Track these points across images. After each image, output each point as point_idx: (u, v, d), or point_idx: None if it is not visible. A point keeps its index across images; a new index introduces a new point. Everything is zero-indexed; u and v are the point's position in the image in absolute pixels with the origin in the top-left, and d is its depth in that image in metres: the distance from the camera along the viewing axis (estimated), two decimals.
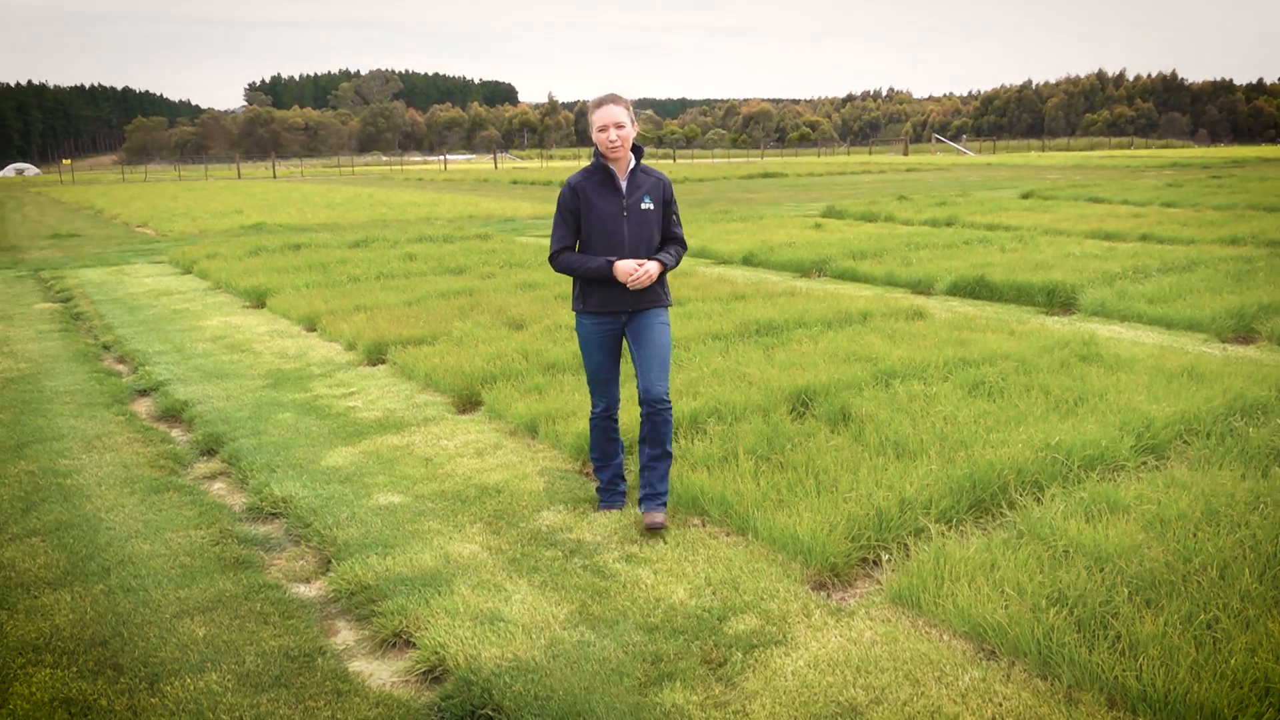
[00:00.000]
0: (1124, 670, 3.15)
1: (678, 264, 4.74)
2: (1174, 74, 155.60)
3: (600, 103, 4.49)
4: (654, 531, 4.49)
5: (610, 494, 4.91)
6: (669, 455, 4.63)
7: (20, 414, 6.99)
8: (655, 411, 4.57)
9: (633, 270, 4.48)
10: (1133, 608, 3.50)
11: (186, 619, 3.90)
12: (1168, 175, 33.95)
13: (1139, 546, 3.93)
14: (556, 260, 4.63)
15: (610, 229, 4.55)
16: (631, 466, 5.28)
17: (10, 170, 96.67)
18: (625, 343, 4.84)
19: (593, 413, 4.86)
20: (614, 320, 4.66)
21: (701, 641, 3.58)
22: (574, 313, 4.80)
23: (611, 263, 4.51)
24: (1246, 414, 5.74)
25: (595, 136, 4.51)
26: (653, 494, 4.58)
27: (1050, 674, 3.26)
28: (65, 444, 6.25)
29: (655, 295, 4.66)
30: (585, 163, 5.81)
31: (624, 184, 4.57)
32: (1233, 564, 3.76)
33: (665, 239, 4.74)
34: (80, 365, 8.64)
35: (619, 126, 4.45)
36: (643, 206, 4.58)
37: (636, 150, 4.60)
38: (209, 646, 3.68)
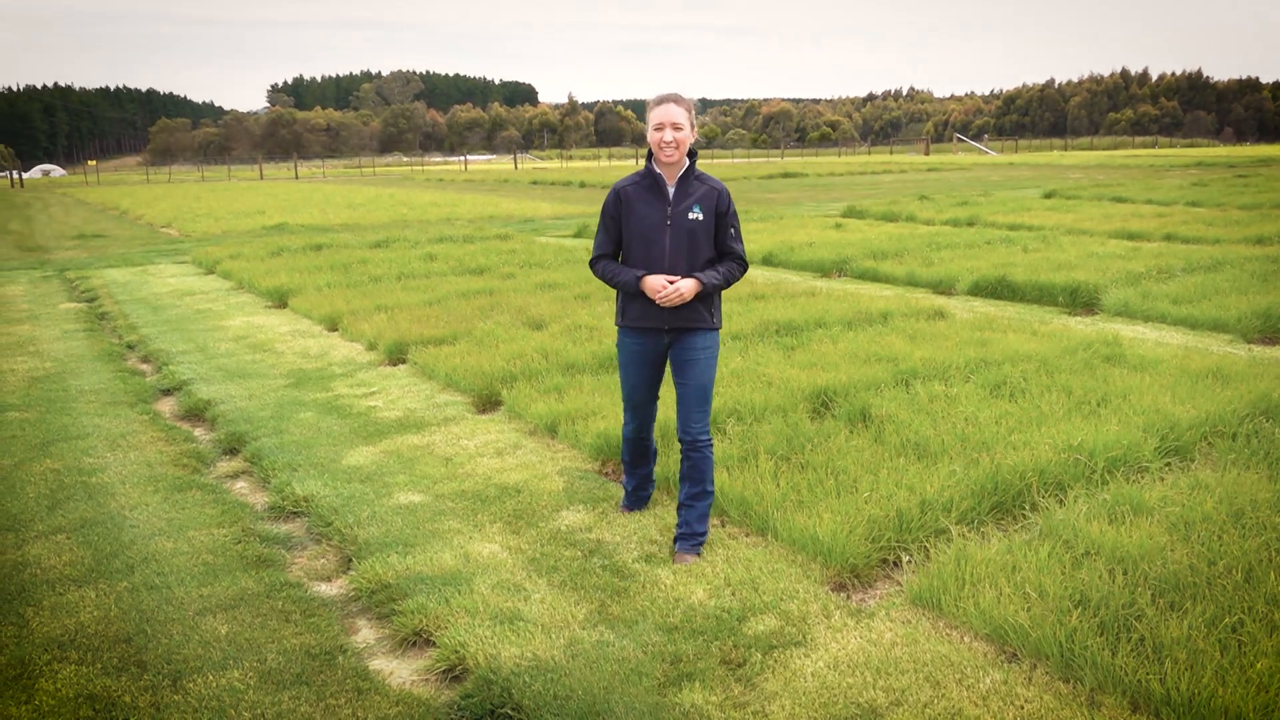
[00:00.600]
0: (1147, 674, 3.13)
1: (727, 284, 4.32)
2: (1199, 72, 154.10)
3: (660, 100, 4.17)
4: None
5: (635, 497, 4.81)
6: (709, 494, 4.36)
7: (46, 413, 7.06)
8: (694, 449, 4.32)
9: (661, 287, 4.16)
10: (1156, 610, 3.47)
11: (209, 616, 3.93)
12: (1193, 174, 33.65)
13: (1163, 549, 3.90)
14: (595, 266, 4.40)
15: (651, 238, 4.22)
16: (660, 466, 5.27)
17: (37, 171, 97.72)
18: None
19: (625, 430, 4.64)
20: (655, 338, 4.35)
21: (721, 642, 3.57)
22: (616, 326, 4.47)
23: (641, 277, 4.21)
24: (1272, 415, 5.68)
25: (650, 136, 4.21)
26: (689, 534, 4.31)
27: (1072, 677, 3.24)
28: (90, 442, 6.31)
29: (699, 316, 4.28)
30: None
31: (672, 191, 4.22)
32: (1258, 567, 3.72)
33: (720, 255, 4.33)
34: (105, 365, 8.72)
35: (676, 128, 4.12)
36: (690, 216, 4.20)
37: (691, 155, 4.27)
38: (231, 644, 3.71)
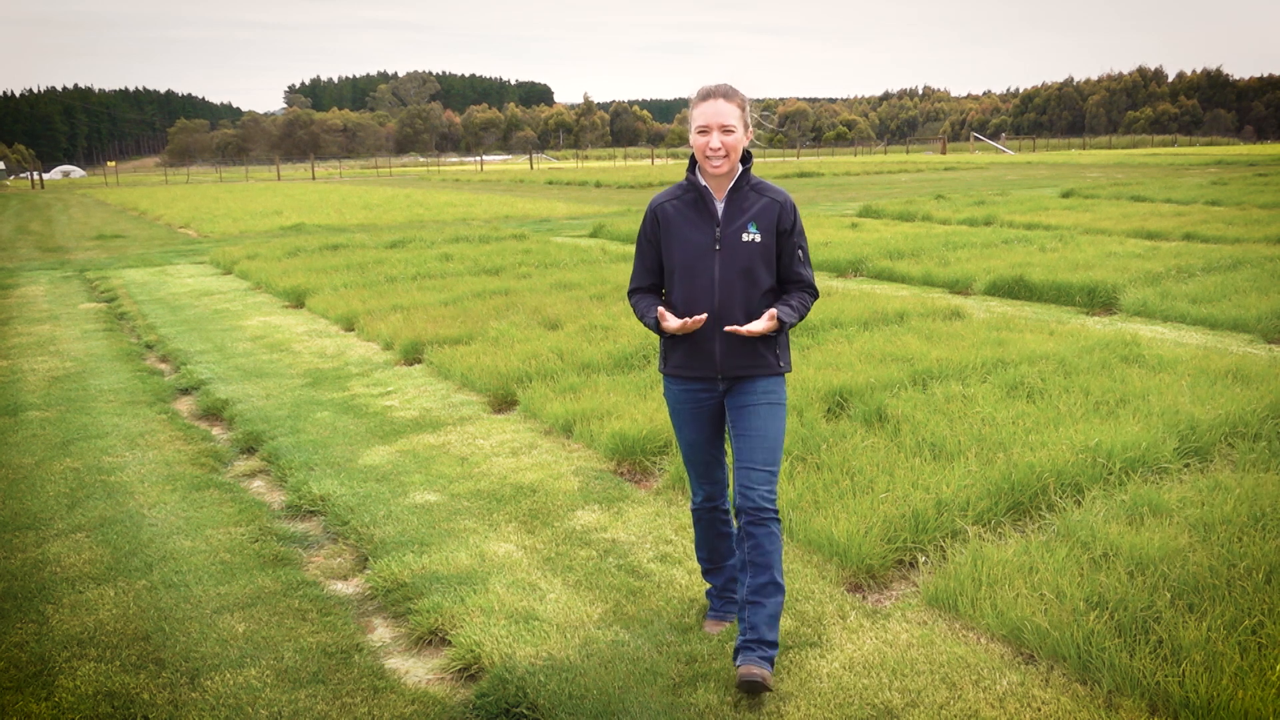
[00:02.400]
0: (1166, 676, 3.11)
1: (801, 318, 3.42)
2: (1219, 70, 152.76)
3: (705, 95, 3.33)
4: (753, 690, 3.19)
5: (726, 602, 3.77)
6: (780, 588, 3.34)
7: (66, 412, 7.12)
8: (757, 522, 3.32)
9: (682, 324, 3.32)
10: (1175, 612, 3.45)
11: (226, 615, 3.95)
12: (1212, 173, 33.38)
13: (1182, 550, 3.87)
14: (630, 299, 3.61)
15: (695, 266, 3.37)
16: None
17: (57, 172, 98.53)
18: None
19: (693, 503, 3.72)
20: (707, 386, 3.49)
21: (736, 642, 3.56)
22: (661, 374, 3.70)
23: (659, 319, 3.38)
24: None
25: (693, 141, 3.36)
26: (757, 640, 3.27)
27: (1090, 679, 3.22)
28: (109, 441, 6.35)
29: (759, 361, 3.41)
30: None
31: (720, 206, 3.39)
32: (1279, 569, 3.69)
33: (784, 282, 3.48)
34: (124, 364, 8.78)
35: (726, 131, 3.29)
36: (744, 238, 3.36)
37: (745, 159, 3.42)
38: (248, 642, 3.73)
